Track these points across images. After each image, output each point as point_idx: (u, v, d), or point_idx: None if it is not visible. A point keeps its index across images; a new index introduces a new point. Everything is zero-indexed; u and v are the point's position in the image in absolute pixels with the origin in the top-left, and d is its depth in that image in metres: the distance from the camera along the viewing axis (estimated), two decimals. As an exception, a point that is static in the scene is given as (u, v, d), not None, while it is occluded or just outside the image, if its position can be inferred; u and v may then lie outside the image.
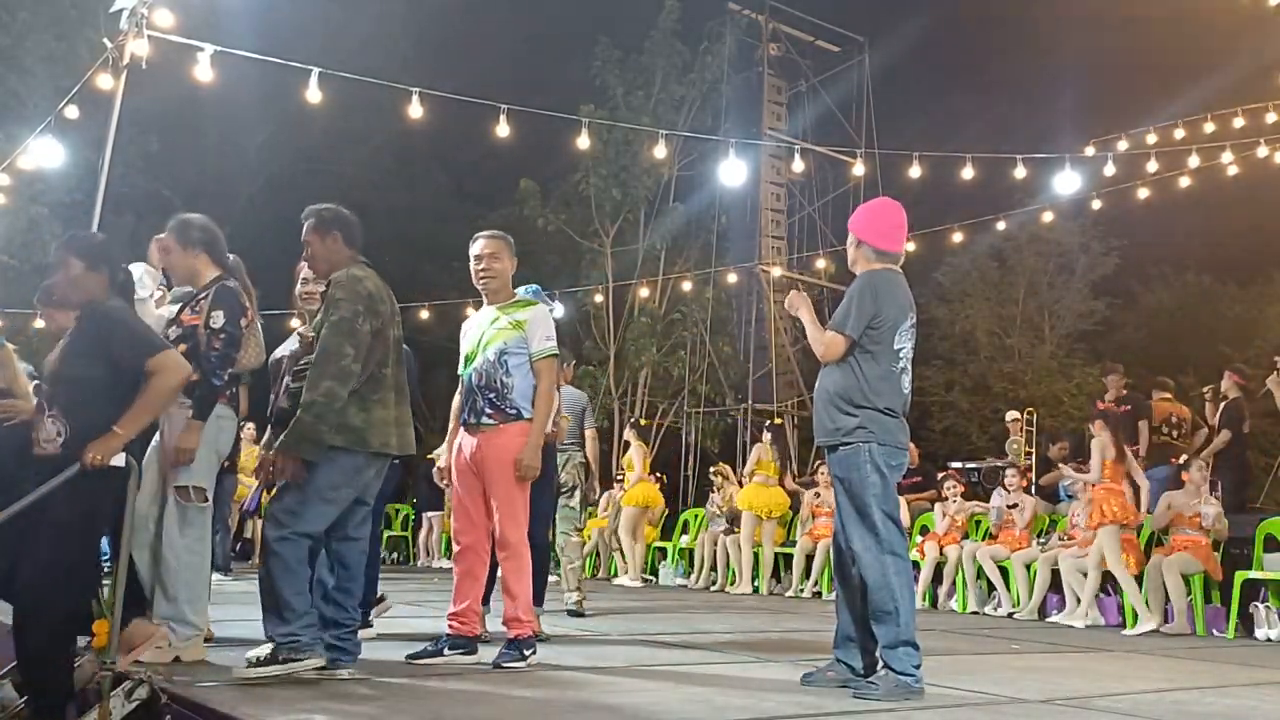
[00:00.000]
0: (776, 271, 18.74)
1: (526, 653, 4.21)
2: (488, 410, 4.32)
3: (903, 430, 4.03)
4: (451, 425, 4.60)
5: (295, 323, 4.91)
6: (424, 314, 17.08)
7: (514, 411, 4.30)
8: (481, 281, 4.49)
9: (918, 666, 3.82)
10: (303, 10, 17.26)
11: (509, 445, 4.27)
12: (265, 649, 3.59)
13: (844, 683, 3.96)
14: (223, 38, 8.01)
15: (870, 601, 3.87)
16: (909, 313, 4.08)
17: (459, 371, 4.53)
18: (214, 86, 8.26)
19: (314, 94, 8.35)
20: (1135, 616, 7.45)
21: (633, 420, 12.73)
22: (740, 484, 10.59)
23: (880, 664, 3.87)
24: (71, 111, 7.93)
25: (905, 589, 3.87)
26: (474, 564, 4.41)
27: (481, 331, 4.46)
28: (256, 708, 3.14)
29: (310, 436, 3.61)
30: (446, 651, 4.28)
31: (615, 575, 11.51)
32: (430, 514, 13.11)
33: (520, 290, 5.29)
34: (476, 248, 4.51)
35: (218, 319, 4.02)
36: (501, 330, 4.38)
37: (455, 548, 4.53)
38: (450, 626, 4.34)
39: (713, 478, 11.16)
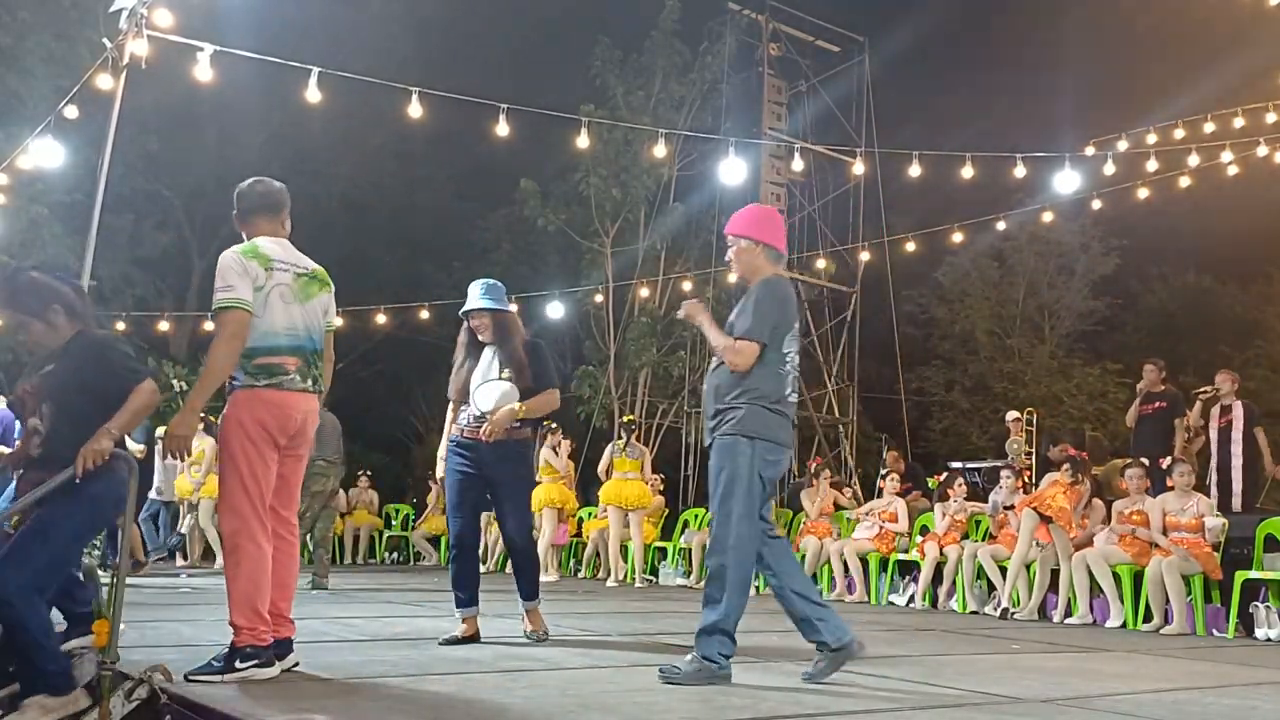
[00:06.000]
0: (776, 271, 18.69)
1: (240, 665, 3.61)
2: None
3: (784, 429, 4.13)
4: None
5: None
6: (424, 314, 17.08)
7: (235, 379, 3.84)
8: None
9: (727, 656, 3.94)
10: (303, 10, 17.24)
11: (226, 418, 3.83)
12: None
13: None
14: (223, 38, 7.99)
15: (706, 583, 4.02)
16: (796, 318, 4.23)
17: None
18: (214, 86, 8.26)
19: (314, 94, 8.34)
20: (1134, 616, 7.47)
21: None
22: None
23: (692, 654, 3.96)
24: (71, 111, 7.92)
25: (739, 586, 3.97)
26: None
27: None
28: (256, 708, 3.14)
29: None
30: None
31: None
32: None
33: (477, 283, 5.20)
34: None
35: None
36: None
37: None
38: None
39: None
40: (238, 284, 3.77)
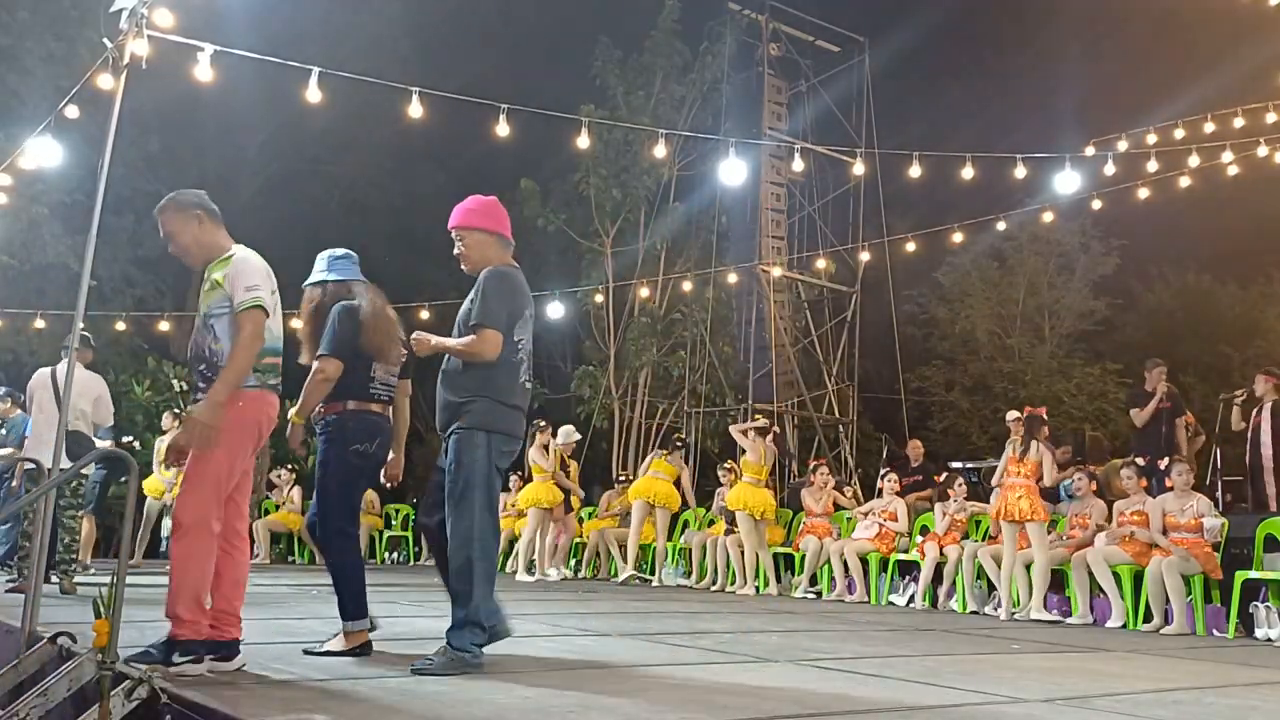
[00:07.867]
0: (776, 271, 18.72)
1: (177, 660, 3.61)
2: (200, 384, 3.93)
3: (518, 422, 4.21)
4: None
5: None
6: (424, 314, 17.06)
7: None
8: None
9: (480, 645, 4.02)
10: (303, 10, 17.25)
11: (226, 415, 3.81)
12: None
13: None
14: (223, 38, 7.98)
15: (451, 579, 4.09)
16: (528, 305, 4.27)
17: None
18: (214, 86, 8.24)
19: (314, 94, 8.33)
20: (1134, 616, 7.48)
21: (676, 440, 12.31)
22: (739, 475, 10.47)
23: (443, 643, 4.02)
24: (71, 111, 7.90)
25: (486, 578, 4.05)
26: (219, 559, 3.89)
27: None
28: (257, 708, 3.15)
29: None
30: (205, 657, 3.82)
31: (615, 575, 11.53)
32: None
33: (325, 253, 4.77)
34: None
35: None
36: (205, 294, 3.98)
37: None
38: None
39: (722, 477, 11.01)
40: (263, 286, 3.93)
